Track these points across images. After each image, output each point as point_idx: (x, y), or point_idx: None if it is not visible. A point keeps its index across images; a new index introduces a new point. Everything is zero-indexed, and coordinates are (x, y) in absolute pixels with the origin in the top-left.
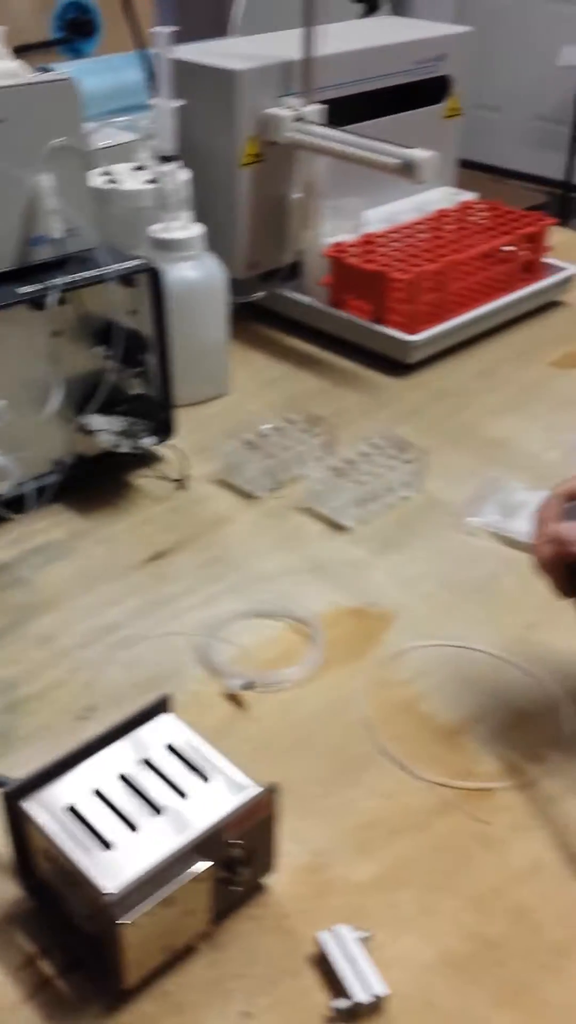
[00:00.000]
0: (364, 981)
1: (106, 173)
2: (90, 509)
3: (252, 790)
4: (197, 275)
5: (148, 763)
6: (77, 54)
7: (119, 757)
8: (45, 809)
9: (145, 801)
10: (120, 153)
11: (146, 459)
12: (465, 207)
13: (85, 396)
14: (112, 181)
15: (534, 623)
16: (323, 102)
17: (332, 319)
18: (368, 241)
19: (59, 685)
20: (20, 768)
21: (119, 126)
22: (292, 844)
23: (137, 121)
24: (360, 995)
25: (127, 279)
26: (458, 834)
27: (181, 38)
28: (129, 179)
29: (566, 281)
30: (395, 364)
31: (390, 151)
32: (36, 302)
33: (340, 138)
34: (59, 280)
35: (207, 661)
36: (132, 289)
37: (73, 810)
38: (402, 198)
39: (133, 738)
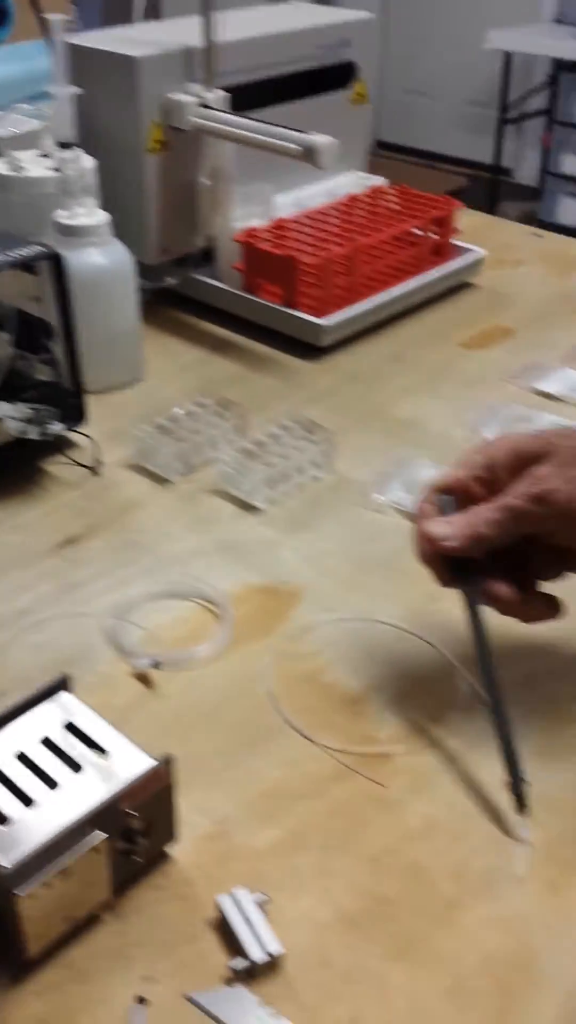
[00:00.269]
0: (260, 941)
1: (11, 160)
2: (1, 497)
3: (147, 762)
4: (103, 261)
5: (46, 741)
6: None
7: (16, 737)
8: None
9: (41, 777)
10: (27, 140)
11: (58, 446)
12: (375, 191)
13: None
14: (16, 168)
15: (435, 595)
16: (228, 88)
17: (245, 304)
18: (279, 226)
19: None
20: None
21: (26, 113)
22: (196, 814)
23: (44, 109)
24: (256, 954)
25: (28, 266)
26: (356, 798)
27: (108, 23)
28: (33, 166)
29: (476, 263)
30: (308, 347)
31: (292, 137)
32: None
33: (243, 124)
34: None
35: (116, 642)
36: (35, 276)
37: None
38: (312, 183)
39: (31, 718)
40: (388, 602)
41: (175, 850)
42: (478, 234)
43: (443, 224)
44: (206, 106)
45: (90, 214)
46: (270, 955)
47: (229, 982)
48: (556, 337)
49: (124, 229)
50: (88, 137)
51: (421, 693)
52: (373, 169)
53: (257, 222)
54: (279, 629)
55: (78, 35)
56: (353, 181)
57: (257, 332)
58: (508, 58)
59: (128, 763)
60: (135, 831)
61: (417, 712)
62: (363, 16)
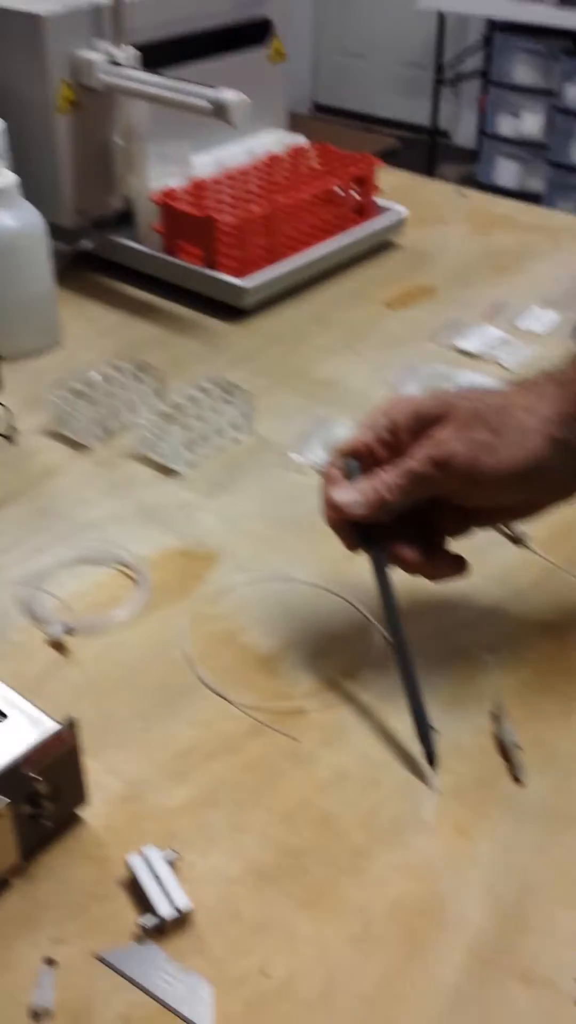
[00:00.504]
0: (169, 897)
1: None
2: None
3: (50, 727)
4: (13, 224)
5: None
6: None
7: None
8: None
9: None
10: None
11: None
12: (296, 151)
13: None
14: None
15: (350, 553)
16: (139, 46)
17: (165, 266)
18: (198, 186)
19: None
20: None
21: None
22: (109, 776)
23: None
24: (165, 911)
25: None
26: (270, 754)
27: None
28: None
29: (399, 223)
30: (230, 309)
31: (203, 94)
32: None
33: (154, 82)
34: None
35: (30, 610)
36: None
37: None
38: (231, 143)
39: None
40: (306, 561)
41: (87, 812)
42: (402, 194)
43: (363, 183)
44: (116, 64)
45: None
46: (179, 911)
47: (139, 940)
48: (477, 295)
49: (37, 191)
50: None
51: (337, 649)
52: (309, 132)
53: (175, 182)
54: (197, 591)
55: None
56: (274, 140)
57: (178, 294)
58: (442, 18)
59: (30, 728)
60: (41, 795)
61: (332, 668)
62: None
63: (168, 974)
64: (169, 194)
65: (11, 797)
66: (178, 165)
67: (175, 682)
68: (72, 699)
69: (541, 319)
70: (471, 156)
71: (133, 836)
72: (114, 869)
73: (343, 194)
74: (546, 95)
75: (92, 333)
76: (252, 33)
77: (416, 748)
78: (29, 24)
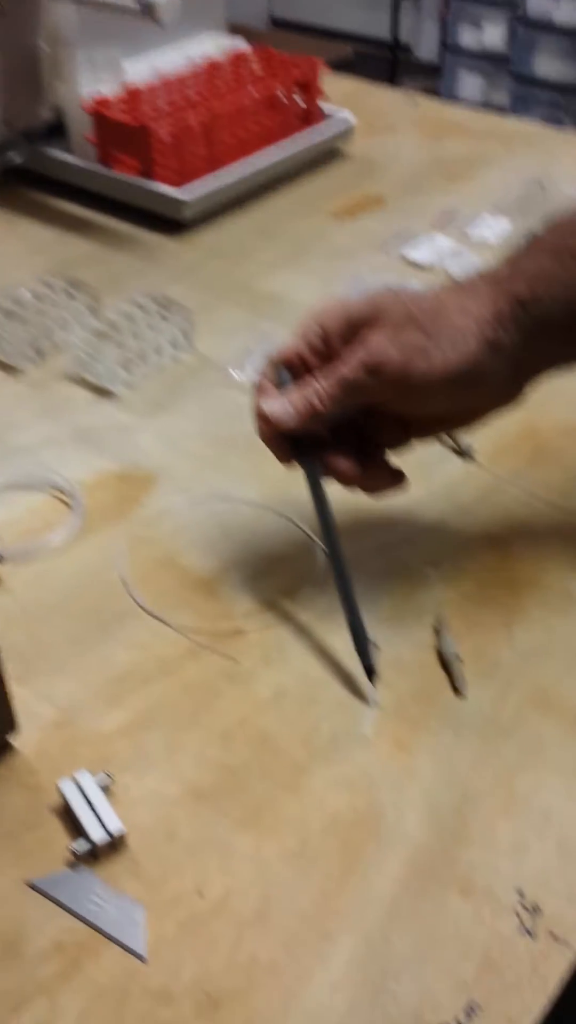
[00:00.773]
0: (101, 821)
1: None
2: None
3: None
4: None
5: None
6: None
7: None
8: None
9: None
10: None
11: None
12: (237, 56)
13: None
14: None
15: (290, 470)
16: None
17: (100, 178)
18: (132, 94)
19: None
20: None
21: None
22: (43, 703)
23: None
24: (97, 835)
25: None
26: (208, 675)
27: None
28: None
29: (346, 131)
30: (169, 223)
31: None
32: None
33: None
34: None
35: None
36: None
37: None
38: (167, 49)
39: None
40: (247, 481)
41: (19, 740)
42: (352, 102)
43: (307, 88)
44: None
45: None
46: (111, 835)
47: (72, 865)
48: (428, 204)
49: None
50: None
51: (278, 569)
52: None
53: (108, 90)
54: (134, 515)
55: None
56: (212, 45)
57: (114, 209)
58: None
59: None
60: None
61: (273, 588)
62: None
63: (101, 899)
64: (102, 103)
65: None
66: (110, 72)
67: (111, 607)
68: (3, 627)
69: (493, 227)
70: (433, 71)
71: (66, 762)
72: (46, 796)
73: (286, 100)
74: (508, 5)
75: (23, 251)
76: None
77: (356, 665)
78: None
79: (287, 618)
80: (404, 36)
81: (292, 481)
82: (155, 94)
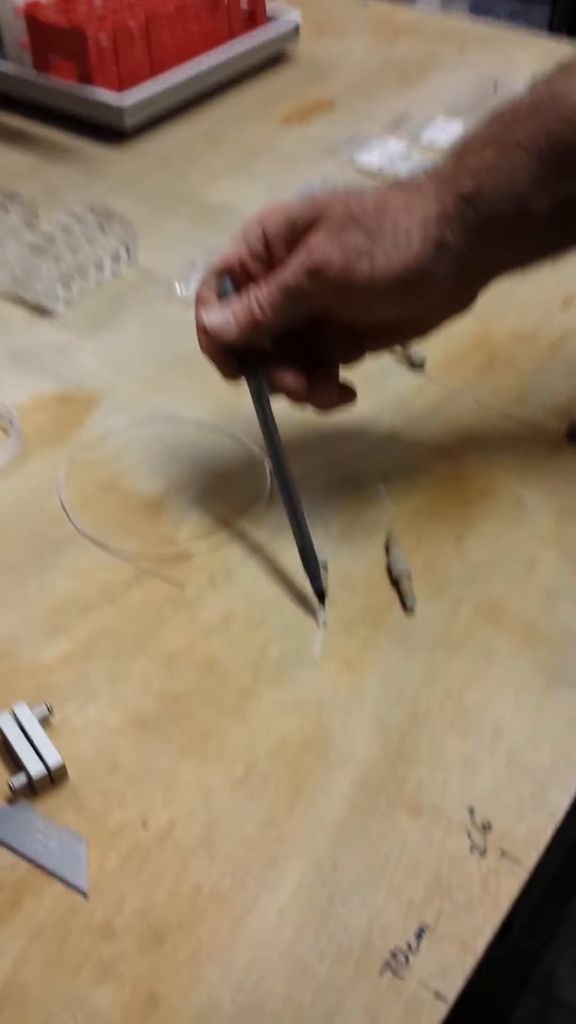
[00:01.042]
0: (39, 754)
1: None
2: None
3: None
4: None
5: None
6: None
7: None
8: None
9: None
10: None
11: None
12: None
13: None
14: None
15: (241, 388)
16: None
17: (36, 86)
18: None
19: None
20: None
21: None
22: None
23: None
24: (35, 768)
25: None
26: (152, 602)
27: None
28: None
29: (293, 31)
30: (110, 132)
31: None
32: None
33: None
34: None
35: None
36: None
37: None
38: None
39: None
40: (193, 400)
41: None
42: (300, 4)
43: None
44: None
45: None
46: (48, 768)
47: (11, 800)
48: (379, 107)
49: None
50: None
51: (225, 490)
52: None
53: None
54: (74, 438)
55: None
56: None
57: (51, 118)
58: None
59: None
60: None
61: (220, 509)
62: None
63: (41, 833)
64: (34, 6)
65: None
66: None
67: (51, 534)
68: None
69: (446, 130)
70: None
71: (5, 695)
72: None
73: (228, 0)
74: None
75: None
76: None
77: (305, 584)
78: None
79: (234, 540)
80: None
81: (239, 399)
82: None
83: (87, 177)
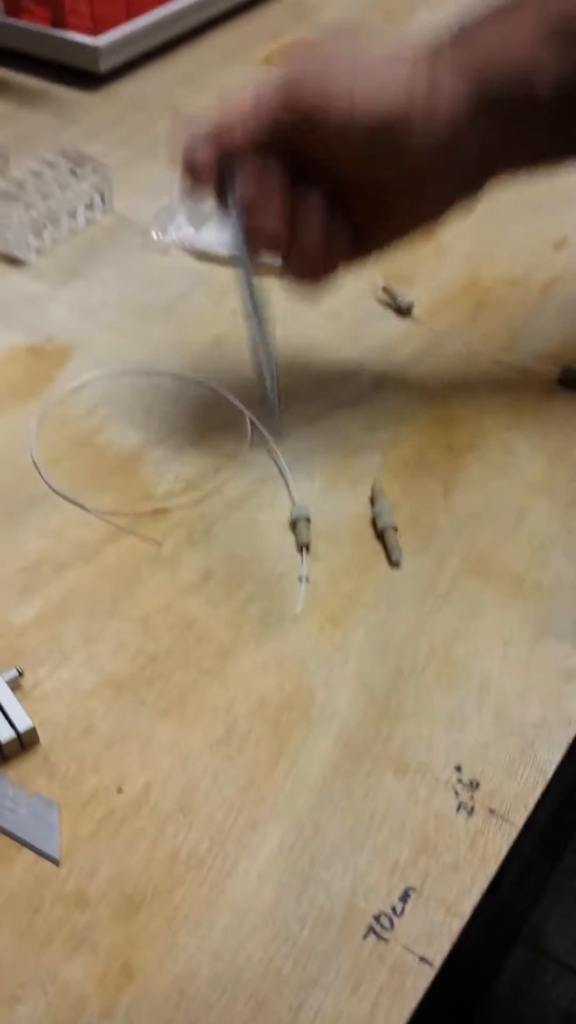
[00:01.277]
0: (8, 720)
1: None
2: None
3: None
4: None
5: None
6: None
7: None
8: None
9: None
10: None
11: None
12: None
13: None
14: None
15: (222, 336)
16: None
17: (8, 30)
18: None
19: None
20: None
21: None
22: None
23: None
24: (3, 733)
25: None
26: (128, 560)
27: None
28: None
29: None
30: (85, 76)
31: None
32: None
33: None
34: None
35: None
36: None
37: None
38: None
39: None
40: (171, 351)
41: None
42: None
43: None
44: None
45: None
46: (17, 732)
47: None
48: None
49: None
50: None
51: (203, 444)
52: None
53: None
54: (47, 392)
55: None
56: None
57: (24, 63)
58: None
59: None
60: None
61: (198, 464)
62: None
63: (11, 800)
64: None
65: None
66: None
67: (22, 491)
68: None
69: None
70: None
71: None
72: None
73: None
74: None
75: None
76: None
77: (285, 542)
78: None
79: (213, 496)
80: None
81: (217, 349)
82: None
83: (61, 122)
